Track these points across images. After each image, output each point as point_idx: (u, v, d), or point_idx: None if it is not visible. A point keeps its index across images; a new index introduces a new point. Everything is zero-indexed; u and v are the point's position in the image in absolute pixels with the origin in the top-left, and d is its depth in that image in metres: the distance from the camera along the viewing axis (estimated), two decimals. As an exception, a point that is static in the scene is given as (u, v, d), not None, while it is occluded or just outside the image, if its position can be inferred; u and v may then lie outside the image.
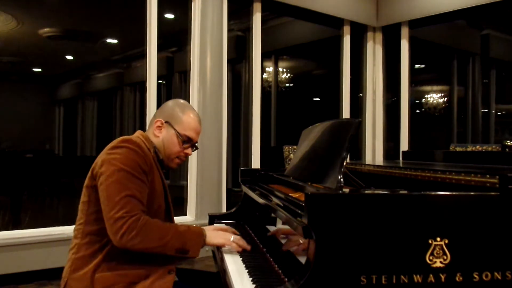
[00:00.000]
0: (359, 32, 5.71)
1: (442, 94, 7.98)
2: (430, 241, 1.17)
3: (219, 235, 1.65)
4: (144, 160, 1.52)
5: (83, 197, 1.57)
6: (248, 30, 4.98)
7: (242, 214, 2.28)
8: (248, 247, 1.65)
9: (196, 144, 1.73)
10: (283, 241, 1.65)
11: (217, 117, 4.31)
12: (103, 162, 1.49)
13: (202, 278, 1.80)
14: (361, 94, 5.83)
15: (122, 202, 1.42)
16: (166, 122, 1.66)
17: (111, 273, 1.46)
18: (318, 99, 7.97)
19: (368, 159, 5.66)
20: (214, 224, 2.19)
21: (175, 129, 1.66)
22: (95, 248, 1.49)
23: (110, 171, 1.46)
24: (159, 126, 1.66)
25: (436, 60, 7.96)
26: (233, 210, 2.32)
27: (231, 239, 1.64)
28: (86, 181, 1.57)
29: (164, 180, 1.68)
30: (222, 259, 1.61)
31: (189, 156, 1.73)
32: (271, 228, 1.94)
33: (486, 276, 1.19)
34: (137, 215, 1.43)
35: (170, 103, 1.72)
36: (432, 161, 2.57)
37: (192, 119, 1.68)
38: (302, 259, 1.31)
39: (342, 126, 1.62)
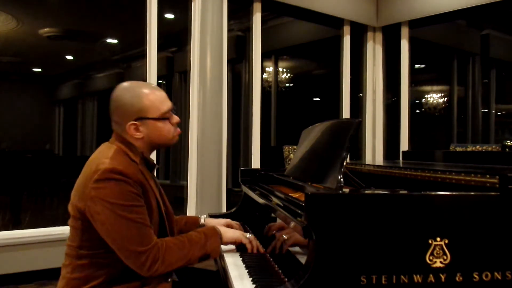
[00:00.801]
0: (359, 32, 5.71)
1: (442, 94, 7.98)
2: (430, 241, 1.17)
3: (235, 231, 1.65)
4: (134, 184, 1.40)
5: (72, 222, 1.47)
6: (248, 30, 4.98)
7: (242, 214, 2.28)
8: (262, 250, 1.64)
9: (174, 107, 1.57)
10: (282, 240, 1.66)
11: (217, 117, 4.31)
12: (93, 200, 1.37)
13: (201, 277, 1.79)
14: (361, 94, 5.83)
15: (138, 236, 1.36)
16: (137, 119, 1.48)
17: None
18: (318, 99, 7.97)
19: (368, 159, 5.66)
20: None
21: (151, 118, 1.49)
22: (91, 270, 1.43)
23: (108, 211, 1.35)
24: (135, 128, 1.48)
25: (436, 60, 7.97)
26: (233, 210, 2.32)
27: (248, 235, 1.63)
28: (72, 211, 1.46)
29: (157, 186, 1.58)
30: (222, 259, 1.62)
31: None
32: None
33: (486, 276, 1.19)
34: (156, 244, 1.39)
35: (120, 100, 1.49)
36: (432, 161, 2.57)
37: (153, 94, 1.51)
38: (300, 256, 1.31)
39: (342, 126, 1.62)
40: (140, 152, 1.51)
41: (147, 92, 1.50)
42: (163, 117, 1.51)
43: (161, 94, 1.54)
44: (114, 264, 1.42)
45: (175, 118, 1.57)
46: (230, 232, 1.63)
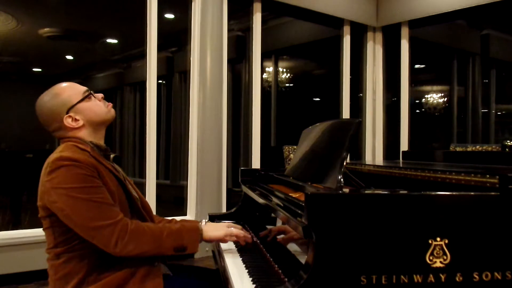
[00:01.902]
0: (359, 32, 5.71)
1: (442, 94, 7.98)
2: (430, 241, 1.17)
3: (218, 228, 1.62)
4: (86, 168, 1.41)
5: (44, 225, 1.50)
6: (248, 30, 4.98)
7: (242, 214, 2.28)
8: (250, 239, 1.63)
9: (90, 91, 1.62)
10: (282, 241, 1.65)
11: (217, 117, 4.31)
12: (49, 192, 1.40)
13: (201, 275, 1.79)
14: (361, 94, 5.83)
15: (97, 213, 1.36)
16: (68, 110, 1.53)
17: (95, 285, 1.42)
18: (318, 99, 7.97)
19: (368, 159, 5.66)
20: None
21: (78, 102, 1.54)
22: (72, 265, 1.43)
23: (64, 197, 1.37)
24: (73, 119, 1.53)
25: (436, 60, 7.96)
26: (233, 210, 2.32)
27: (232, 230, 1.61)
28: (40, 212, 1.49)
29: (118, 173, 1.56)
30: (222, 259, 1.62)
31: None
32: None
33: (486, 276, 1.19)
34: (122, 220, 1.39)
35: (46, 109, 1.55)
36: (432, 161, 2.57)
37: (65, 87, 1.57)
38: (300, 256, 1.31)
39: (342, 126, 1.62)
40: (88, 142, 1.55)
41: (59, 89, 1.58)
42: (86, 96, 1.58)
43: (71, 83, 1.61)
44: (92, 253, 1.42)
45: (98, 95, 1.63)
46: (213, 231, 1.60)
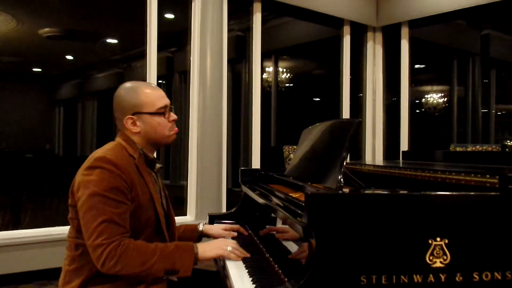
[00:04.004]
0: (359, 32, 5.71)
1: (442, 94, 7.98)
2: (430, 241, 1.17)
3: (214, 246, 1.57)
4: (120, 178, 1.42)
5: (70, 214, 1.52)
6: (248, 30, 4.98)
7: (242, 214, 2.28)
8: (248, 254, 1.60)
9: (171, 106, 1.63)
10: (282, 242, 1.65)
11: (217, 117, 4.31)
12: (79, 185, 1.44)
13: (201, 277, 1.79)
14: (361, 94, 5.83)
15: (99, 229, 1.37)
16: (134, 114, 1.55)
17: (102, 285, 1.44)
18: (318, 99, 7.97)
19: (368, 159, 5.66)
20: (215, 224, 2.19)
21: (147, 113, 1.55)
22: (88, 259, 1.44)
23: (85, 196, 1.40)
24: (132, 122, 1.56)
25: (436, 60, 7.97)
26: (233, 210, 2.32)
27: (229, 249, 1.57)
28: (69, 200, 1.51)
29: (155, 185, 1.57)
30: (222, 259, 1.61)
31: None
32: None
33: (486, 276, 1.19)
34: (115, 241, 1.37)
35: (120, 97, 1.58)
36: (432, 161, 2.57)
37: (150, 91, 1.58)
38: (300, 256, 1.31)
39: (342, 126, 1.62)
40: (139, 149, 1.56)
41: (144, 89, 1.58)
42: (158, 112, 1.57)
43: (158, 92, 1.61)
44: None
45: (172, 116, 1.62)
46: (212, 250, 1.55)
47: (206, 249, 1.54)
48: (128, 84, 1.60)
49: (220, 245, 1.59)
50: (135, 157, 1.52)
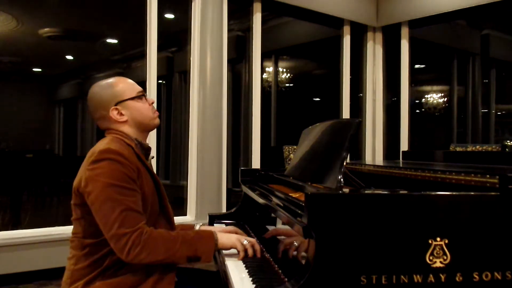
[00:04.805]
0: (359, 32, 5.70)
1: (442, 94, 7.98)
2: (430, 241, 1.17)
3: (231, 236, 1.59)
4: (129, 167, 1.43)
5: (74, 215, 1.51)
6: (248, 30, 4.98)
7: (242, 214, 2.28)
8: (259, 255, 1.58)
9: (144, 93, 1.66)
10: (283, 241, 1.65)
11: (217, 117, 4.31)
12: (87, 181, 1.41)
13: (201, 277, 1.79)
14: (361, 94, 5.83)
15: (120, 218, 1.36)
16: (117, 104, 1.56)
17: (110, 281, 1.43)
18: (318, 99, 7.97)
19: (368, 159, 5.66)
20: (215, 225, 2.19)
21: (129, 99, 1.57)
22: (95, 258, 1.44)
23: (98, 190, 1.38)
24: (118, 113, 1.56)
25: (436, 60, 7.97)
26: (233, 210, 2.32)
27: (245, 242, 1.57)
28: (73, 199, 1.50)
29: (154, 174, 1.58)
30: (222, 259, 1.61)
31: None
32: (271, 228, 1.94)
33: (486, 276, 1.19)
34: (139, 229, 1.38)
35: (97, 95, 1.58)
36: (432, 161, 2.57)
37: (122, 81, 1.61)
38: (300, 256, 1.31)
39: (342, 126, 1.62)
40: (134, 138, 1.57)
41: (116, 80, 1.61)
42: (139, 95, 1.60)
43: (130, 80, 1.64)
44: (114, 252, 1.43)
45: (150, 99, 1.66)
46: (229, 238, 1.57)
47: (224, 237, 1.56)
48: (97, 85, 1.61)
49: (238, 236, 1.60)
50: (132, 146, 1.53)
